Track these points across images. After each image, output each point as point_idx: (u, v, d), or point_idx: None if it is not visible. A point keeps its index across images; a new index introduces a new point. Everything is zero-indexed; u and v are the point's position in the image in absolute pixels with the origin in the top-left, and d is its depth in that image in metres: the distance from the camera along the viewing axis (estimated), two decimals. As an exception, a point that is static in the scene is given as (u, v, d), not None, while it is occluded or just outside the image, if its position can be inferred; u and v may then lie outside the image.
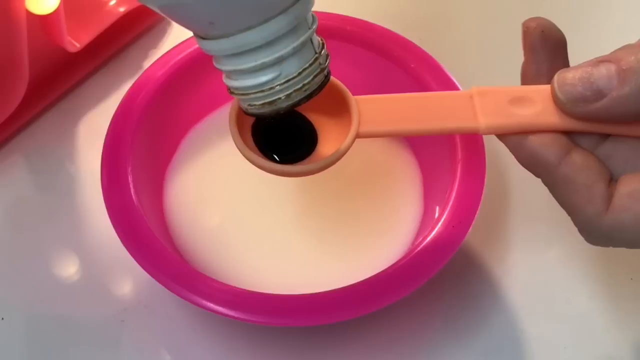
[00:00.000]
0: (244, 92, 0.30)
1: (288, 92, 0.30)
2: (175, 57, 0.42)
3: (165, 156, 0.44)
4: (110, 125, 0.40)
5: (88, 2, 0.48)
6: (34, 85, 0.45)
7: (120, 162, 0.39)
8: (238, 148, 0.32)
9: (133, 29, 0.50)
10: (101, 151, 0.39)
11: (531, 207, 0.44)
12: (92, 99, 0.48)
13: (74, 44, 0.46)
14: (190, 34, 0.42)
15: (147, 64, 0.49)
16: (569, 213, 0.31)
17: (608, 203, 0.29)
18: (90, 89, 0.49)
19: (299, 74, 0.29)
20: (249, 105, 0.30)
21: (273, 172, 0.32)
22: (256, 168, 0.32)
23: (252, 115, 0.31)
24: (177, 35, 0.51)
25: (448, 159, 0.39)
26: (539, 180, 0.32)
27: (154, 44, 0.51)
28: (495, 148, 0.45)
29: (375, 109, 0.32)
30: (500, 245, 0.43)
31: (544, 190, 0.31)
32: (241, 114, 0.32)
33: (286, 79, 0.29)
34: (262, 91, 0.29)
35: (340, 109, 0.33)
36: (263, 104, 0.30)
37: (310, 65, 0.30)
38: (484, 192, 0.38)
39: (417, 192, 0.43)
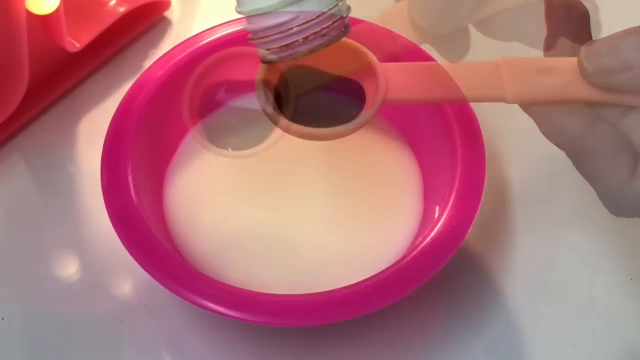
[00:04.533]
0: (263, 35, 0.30)
1: (306, 35, 0.30)
2: (175, 57, 0.42)
3: (165, 156, 0.44)
4: (110, 125, 0.40)
5: (88, 2, 0.48)
6: (34, 85, 0.45)
7: (120, 162, 0.39)
8: (264, 111, 0.32)
9: (133, 29, 0.50)
10: (101, 151, 0.39)
11: (531, 207, 0.44)
12: (92, 99, 0.48)
13: (74, 44, 0.46)
14: (190, 34, 0.43)
15: (147, 64, 0.49)
16: (594, 183, 0.30)
17: (634, 171, 0.29)
18: (90, 89, 0.49)
19: (318, 16, 0.30)
20: (267, 50, 0.31)
21: (293, 133, 0.32)
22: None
23: (269, 62, 0.31)
24: (177, 35, 0.51)
25: (448, 159, 0.39)
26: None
27: (154, 44, 0.51)
28: (495, 148, 0.45)
29: (402, 76, 0.32)
30: (500, 245, 0.43)
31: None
32: (268, 76, 0.32)
33: (304, 20, 0.30)
34: (280, 32, 0.30)
35: (365, 76, 0.33)
36: (280, 46, 0.30)
37: (330, 10, 0.30)
38: (483, 192, 0.38)
39: (417, 192, 0.43)
